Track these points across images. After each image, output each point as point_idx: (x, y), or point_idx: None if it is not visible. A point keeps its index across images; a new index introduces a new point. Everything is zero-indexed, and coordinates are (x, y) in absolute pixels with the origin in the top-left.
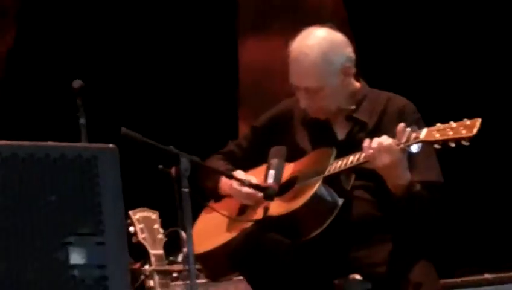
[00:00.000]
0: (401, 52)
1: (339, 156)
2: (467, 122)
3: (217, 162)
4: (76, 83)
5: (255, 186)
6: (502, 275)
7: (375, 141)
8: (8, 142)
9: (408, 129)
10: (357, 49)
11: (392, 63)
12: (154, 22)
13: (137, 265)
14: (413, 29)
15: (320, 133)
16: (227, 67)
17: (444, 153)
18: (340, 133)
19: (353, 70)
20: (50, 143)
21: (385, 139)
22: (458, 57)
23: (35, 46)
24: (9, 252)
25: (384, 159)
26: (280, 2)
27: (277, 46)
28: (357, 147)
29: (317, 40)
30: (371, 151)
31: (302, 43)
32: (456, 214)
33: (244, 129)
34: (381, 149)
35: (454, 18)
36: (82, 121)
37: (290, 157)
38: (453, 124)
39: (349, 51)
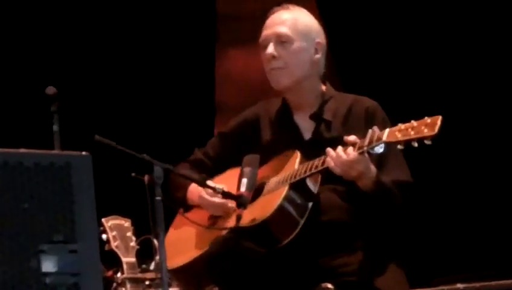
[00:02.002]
0: (376, 57)
1: (306, 156)
2: (428, 120)
3: (185, 171)
4: (50, 90)
5: (228, 195)
6: (475, 284)
7: (339, 157)
8: None
9: (370, 130)
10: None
11: (366, 67)
12: (130, 30)
13: (110, 273)
14: (387, 33)
15: (287, 134)
16: (205, 76)
17: (424, 159)
18: (307, 133)
19: (323, 56)
20: (23, 150)
21: (349, 154)
22: (436, 59)
23: (8, 51)
24: None
25: (352, 173)
26: (261, 12)
27: (256, 56)
28: (324, 147)
29: (302, 10)
30: (338, 169)
31: (287, 7)
32: (434, 221)
33: None
34: (347, 164)
35: (431, 22)
36: (55, 128)
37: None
38: (414, 123)
39: (323, 38)
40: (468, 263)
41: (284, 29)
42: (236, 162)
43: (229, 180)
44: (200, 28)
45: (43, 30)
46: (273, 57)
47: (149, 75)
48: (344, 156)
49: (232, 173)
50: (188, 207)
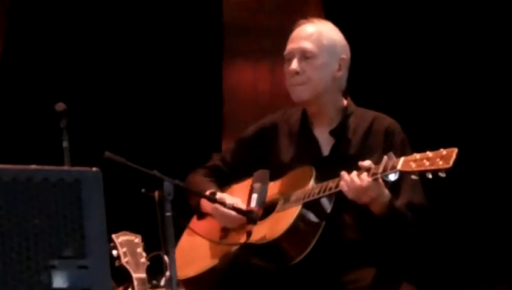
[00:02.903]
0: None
1: (322, 172)
2: (443, 152)
3: (200, 178)
4: (60, 106)
5: (238, 210)
6: None
7: (353, 182)
8: None
9: (385, 157)
10: None
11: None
12: (138, 43)
13: (120, 289)
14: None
15: (306, 148)
16: (213, 89)
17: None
18: (325, 148)
19: (346, 71)
20: (33, 166)
21: (363, 180)
22: (439, 76)
23: (18, 68)
24: None
25: (364, 199)
26: (267, 23)
27: (264, 67)
28: (342, 164)
29: (328, 23)
30: (351, 194)
31: (312, 21)
32: (448, 235)
33: None
34: (360, 190)
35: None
36: (65, 144)
37: (274, 173)
38: (429, 153)
39: (348, 53)
40: (482, 277)
41: (308, 45)
42: (253, 169)
43: (246, 192)
44: (208, 41)
45: (52, 46)
46: (297, 72)
47: (157, 89)
48: (358, 182)
49: (249, 183)
50: (201, 214)
